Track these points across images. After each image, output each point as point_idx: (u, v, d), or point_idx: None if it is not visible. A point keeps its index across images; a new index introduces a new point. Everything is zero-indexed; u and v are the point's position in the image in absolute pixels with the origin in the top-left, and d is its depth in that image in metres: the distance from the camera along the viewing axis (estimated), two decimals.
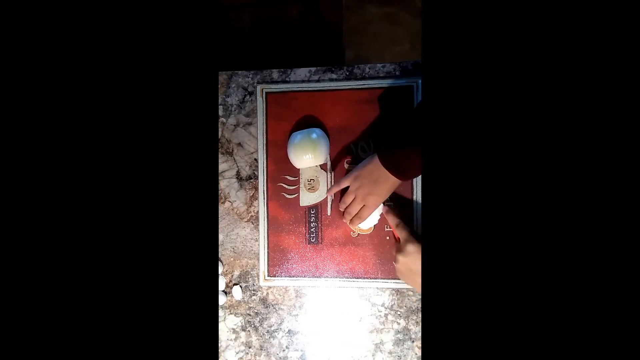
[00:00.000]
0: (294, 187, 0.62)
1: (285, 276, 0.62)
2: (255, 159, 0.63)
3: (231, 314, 0.64)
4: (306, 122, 0.61)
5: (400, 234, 0.54)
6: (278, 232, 0.62)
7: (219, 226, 0.64)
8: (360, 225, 0.58)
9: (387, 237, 0.60)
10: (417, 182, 0.59)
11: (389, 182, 0.51)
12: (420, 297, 0.60)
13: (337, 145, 0.61)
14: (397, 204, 0.60)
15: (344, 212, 0.58)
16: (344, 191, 0.59)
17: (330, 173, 0.61)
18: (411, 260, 0.51)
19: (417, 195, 0.59)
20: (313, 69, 0.62)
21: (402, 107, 0.59)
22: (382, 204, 0.57)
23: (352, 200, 0.55)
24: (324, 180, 0.61)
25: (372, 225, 0.60)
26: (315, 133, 0.58)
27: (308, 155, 0.57)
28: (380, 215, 0.58)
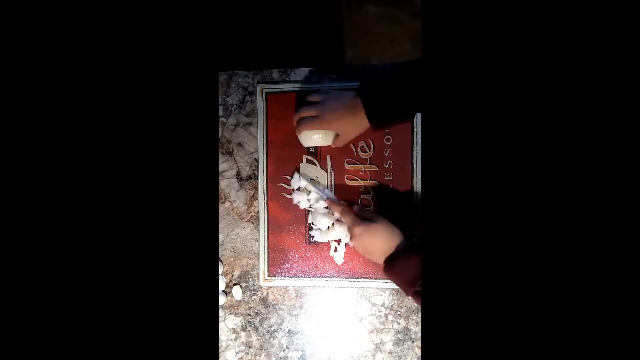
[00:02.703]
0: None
1: (285, 276, 0.62)
2: (255, 159, 0.63)
3: (231, 314, 0.64)
4: None
5: (346, 219, 0.56)
6: (278, 232, 0.62)
7: (219, 226, 0.64)
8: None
9: None
10: (417, 183, 0.59)
11: (359, 121, 0.53)
12: None
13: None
14: (397, 203, 0.60)
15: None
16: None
17: (330, 173, 0.61)
18: (362, 240, 0.54)
19: (418, 191, 0.60)
20: (313, 68, 0.62)
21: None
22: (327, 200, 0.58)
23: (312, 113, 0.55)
24: (324, 180, 0.61)
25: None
26: None
27: (318, 135, 0.56)
28: (341, 219, 0.58)
